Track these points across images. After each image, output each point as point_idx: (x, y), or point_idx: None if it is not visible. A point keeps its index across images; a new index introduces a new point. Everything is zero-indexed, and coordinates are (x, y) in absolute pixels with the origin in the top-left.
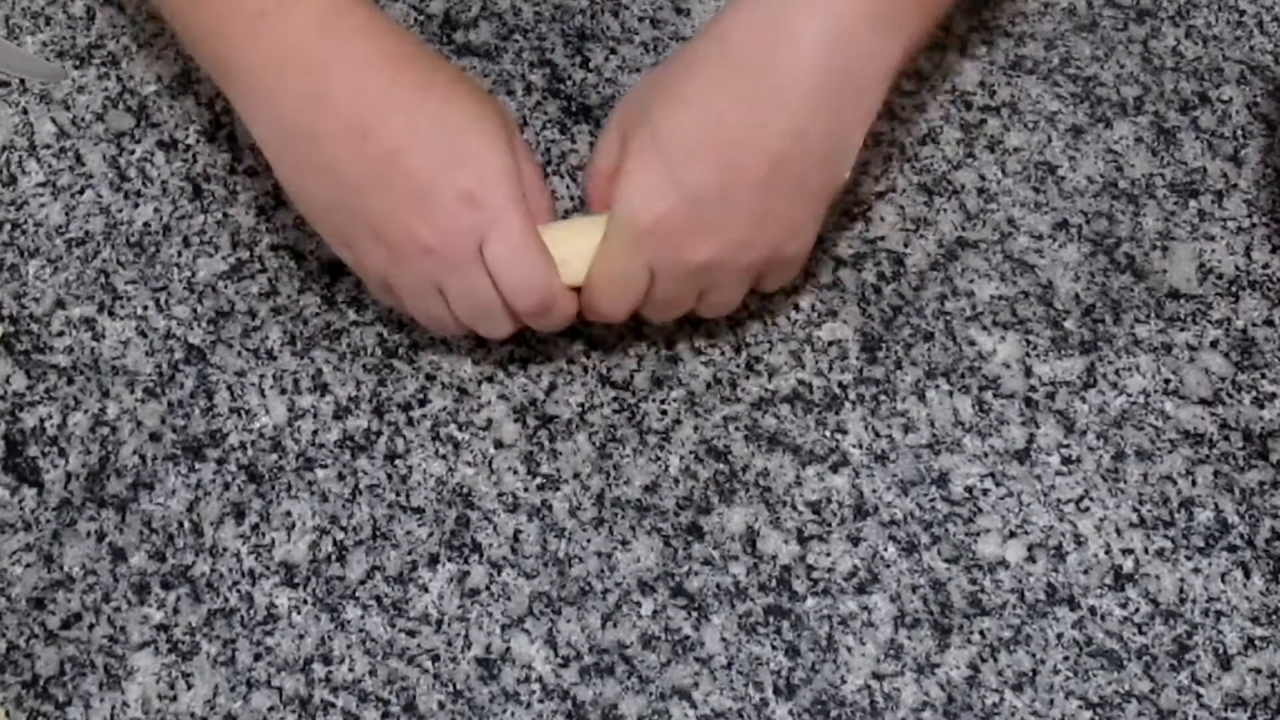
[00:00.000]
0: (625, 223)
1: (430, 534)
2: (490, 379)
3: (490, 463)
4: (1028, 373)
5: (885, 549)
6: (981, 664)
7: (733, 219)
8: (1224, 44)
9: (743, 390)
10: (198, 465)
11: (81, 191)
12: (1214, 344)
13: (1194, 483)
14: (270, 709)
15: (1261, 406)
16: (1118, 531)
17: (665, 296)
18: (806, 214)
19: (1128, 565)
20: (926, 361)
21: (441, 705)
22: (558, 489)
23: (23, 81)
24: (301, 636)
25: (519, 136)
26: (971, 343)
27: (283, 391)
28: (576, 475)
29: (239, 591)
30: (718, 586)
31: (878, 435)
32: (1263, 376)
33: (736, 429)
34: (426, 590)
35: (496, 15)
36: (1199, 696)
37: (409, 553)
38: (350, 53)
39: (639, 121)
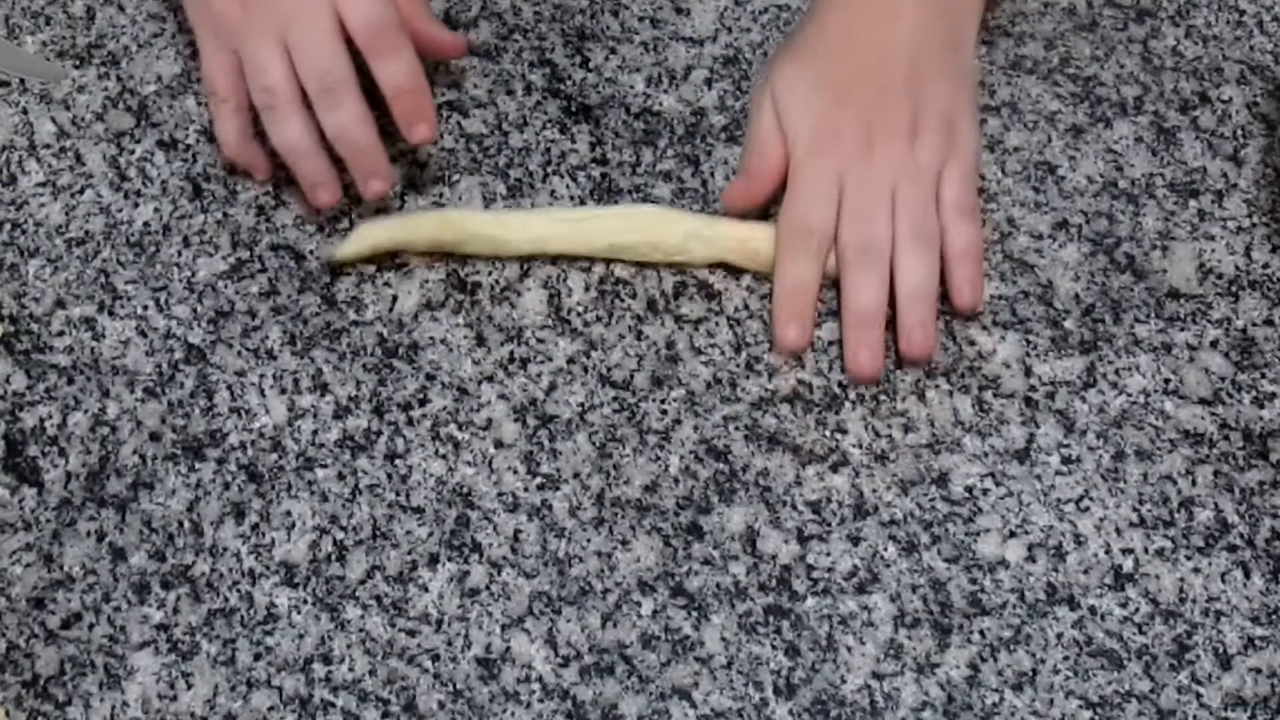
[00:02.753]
0: (798, 136)
1: (430, 534)
2: (490, 379)
3: (490, 463)
4: (1028, 372)
5: (885, 549)
6: (981, 664)
7: (886, 92)
8: (1224, 44)
9: (743, 390)
10: (198, 465)
11: (81, 191)
12: (1214, 344)
13: (1194, 482)
14: (270, 709)
15: (1261, 406)
16: (1118, 531)
17: (859, 199)
18: (952, 93)
19: (1128, 565)
20: (926, 361)
21: (441, 705)
22: (558, 489)
23: (23, 81)
24: (301, 636)
25: None
26: (971, 342)
27: (283, 391)
28: (576, 475)
29: (239, 591)
30: (718, 586)
31: (878, 435)
32: (1263, 376)
33: (736, 429)
34: (426, 590)
35: (496, 15)
36: (1199, 696)
37: (409, 552)
38: None
39: (778, 68)
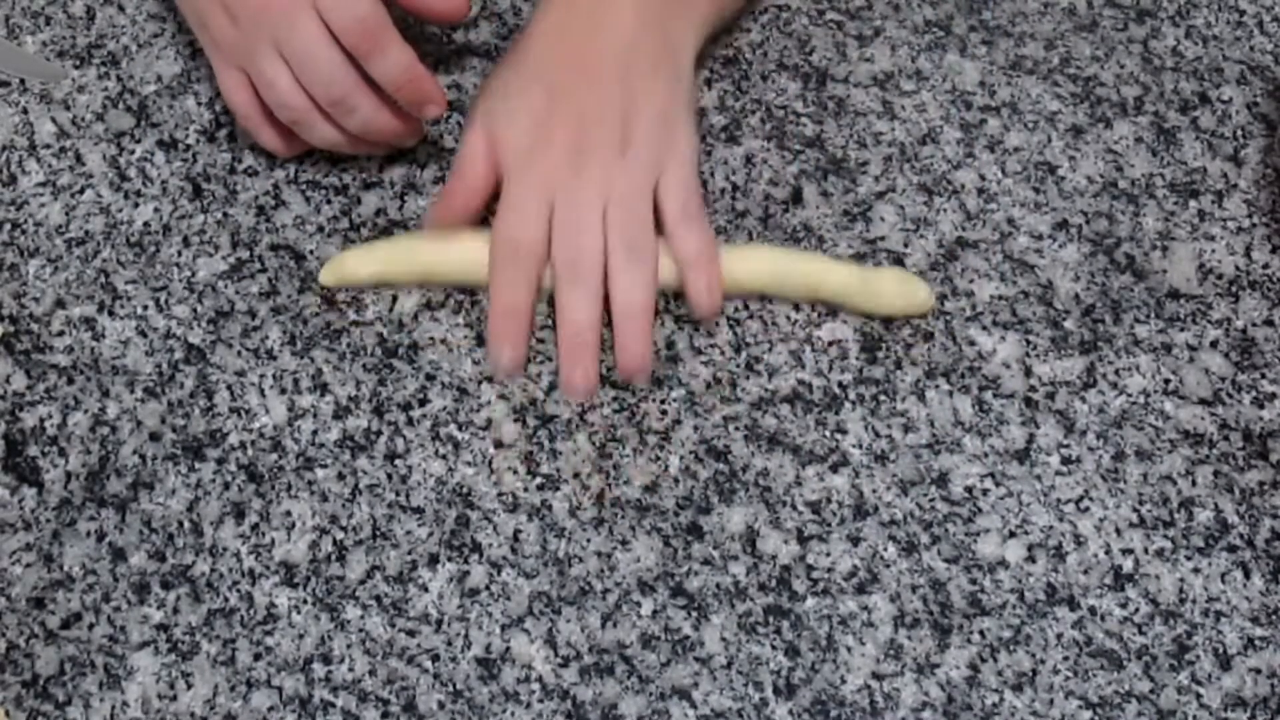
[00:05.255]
0: (509, 146)
1: (430, 534)
2: (490, 379)
3: (490, 463)
4: (1028, 373)
5: (885, 549)
6: (981, 664)
7: (596, 93)
8: (1224, 44)
9: (743, 390)
10: (198, 465)
11: (81, 191)
12: (1214, 344)
13: (1194, 483)
14: (270, 709)
15: (1261, 406)
16: (1118, 531)
17: (568, 215)
18: (667, 97)
19: (1128, 565)
20: (926, 361)
21: (441, 705)
22: (558, 489)
23: (23, 81)
24: (301, 636)
25: None
26: (971, 343)
27: (283, 391)
28: (576, 475)
29: (239, 591)
30: (718, 586)
31: (878, 435)
32: (1263, 376)
33: (736, 429)
34: (426, 590)
35: (496, 15)
36: (1199, 696)
37: (409, 553)
38: None
39: (491, 77)
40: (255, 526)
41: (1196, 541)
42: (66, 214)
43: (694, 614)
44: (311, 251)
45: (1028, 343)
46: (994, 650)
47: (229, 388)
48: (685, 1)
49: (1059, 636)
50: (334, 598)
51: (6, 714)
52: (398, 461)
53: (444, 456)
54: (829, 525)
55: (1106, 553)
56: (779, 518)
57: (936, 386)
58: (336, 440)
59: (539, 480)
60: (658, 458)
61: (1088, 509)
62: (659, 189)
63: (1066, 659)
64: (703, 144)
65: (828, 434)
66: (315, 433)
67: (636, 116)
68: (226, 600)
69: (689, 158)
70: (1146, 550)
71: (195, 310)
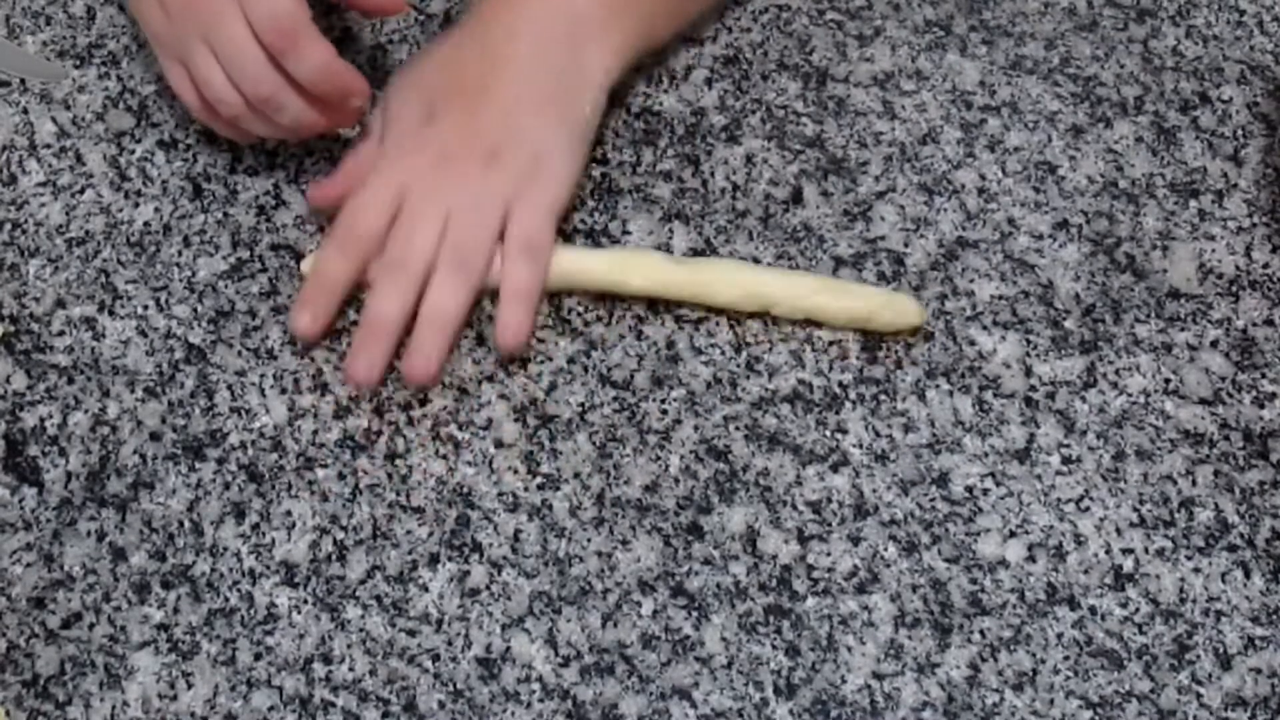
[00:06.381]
0: (385, 144)
1: (430, 534)
2: (490, 379)
3: (490, 462)
4: (1028, 372)
5: (885, 549)
6: (981, 664)
7: (473, 120)
8: (1224, 44)
9: (743, 390)
10: (198, 465)
11: (82, 191)
12: (1214, 344)
13: (1194, 483)
14: (270, 709)
15: (1261, 406)
16: (1118, 531)
17: (409, 214)
18: (548, 132)
19: (1128, 565)
20: (926, 361)
21: (441, 705)
22: (558, 489)
23: (23, 81)
24: (301, 636)
25: None
26: (971, 343)
27: (283, 391)
28: (576, 475)
29: (239, 591)
30: (718, 586)
31: (878, 435)
32: (1263, 376)
33: (736, 429)
34: (426, 590)
35: None
36: (1199, 696)
37: (409, 552)
38: None
39: (396, 76)
40: (255, 526)
41: (1197, 541)
42: (67, 214)
43: (694, 614)
44: (311, 251)
45: (1028, 342)
46: (994, 650)
47: (229, 388)
48: (602, 25)
49: (1059, 636)
50: (334, 598)
51: (6, 714)
52: (398, 461)
53: (444, 456)
54: (829, 525)
55: (1107, 552)
56: (779, 517)
57: (936, 386)
58: (337, 440)
59: (539, 480)
60: (658, 458)
61: (1088, 509)
62: (509, 215)
63: (1067, 659)
64: (702, 144)
65: (828, 434)
66: (315, 433)
67: (507, 146)
68: (227, 600)
69: (550, 198)
70: (1147, 550)
71: (195, 310)
